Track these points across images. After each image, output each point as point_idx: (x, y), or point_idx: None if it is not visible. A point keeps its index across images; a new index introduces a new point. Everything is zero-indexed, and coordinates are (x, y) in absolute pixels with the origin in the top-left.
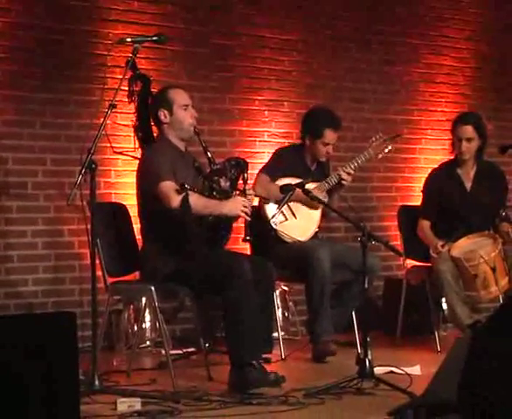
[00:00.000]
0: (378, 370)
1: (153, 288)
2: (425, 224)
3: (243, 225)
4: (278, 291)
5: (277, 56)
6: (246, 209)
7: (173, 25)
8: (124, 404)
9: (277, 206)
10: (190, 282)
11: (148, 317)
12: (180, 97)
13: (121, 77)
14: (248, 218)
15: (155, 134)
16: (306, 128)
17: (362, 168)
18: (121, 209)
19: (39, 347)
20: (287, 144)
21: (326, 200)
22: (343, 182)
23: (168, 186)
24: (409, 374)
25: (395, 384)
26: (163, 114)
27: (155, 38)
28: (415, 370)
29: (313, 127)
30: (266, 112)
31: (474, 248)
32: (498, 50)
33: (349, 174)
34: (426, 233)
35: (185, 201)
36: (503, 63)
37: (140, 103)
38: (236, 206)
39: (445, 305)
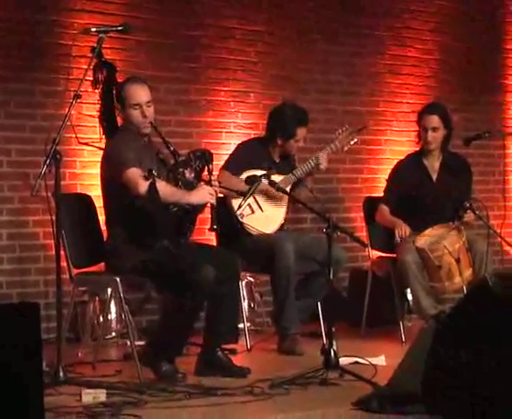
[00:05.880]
0: (343, 361)
1: (118, 279)
2: (385, 209)
3: (209, 216)
4: (244, 283)
5: (243, 47)
6: (213, 198)
7: (139, 15)
8: (89, 395)
9: (242, 198)
10: (153, 275)
11: (113, 308)
12: (132, 95)
13: (86, 67)
14: (214, 202)
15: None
16: (276, 128)
17: (328, 160)
18: (86, 200)
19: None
20: (247, 138)
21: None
22: (321, 166)
23: (134, 172)
24: (374, 365)
25: (360, 375)
26: (118, 109)
27: (120, 28)
28: (380, 360)
29: (283, 128)
30: (232, 103)
31: (439, 239)
32: (463, 42)
33: (325, 160)
34: (386, 217)
35: (153, 187)
36: (468, 55)
37: (104, 91)
38: (203, 193)
39: (409, 296)
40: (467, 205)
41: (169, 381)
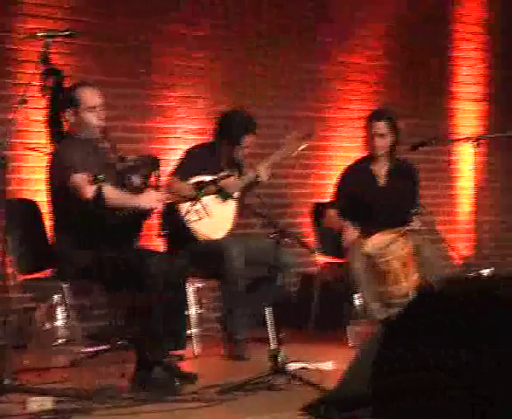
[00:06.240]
0: (291, 366)
1: (65, 285)
2: (332, 213)
3: (156, 222)
4: (192, 288)
5: (191, 52)
6: (161, 203)
7: (86, 20)
8: (35, 403)
9: (191, 204)
10: (101, 277)
11: (60, 314)
12: (87, 98)
13: (32, 72)
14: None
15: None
16: (223, 134)
17: (276, 165)
18: (32, 206)
19: None
20: (195, 144)
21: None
22: (259, 179)
23: (81, 177)
24: (321, 370)
25: (307, 379)
26: (69, 113)
27: (66, 33)
28: (327, 365)
29: (231, 134)
30: (180, 108)
31: (386, 244)
32: (410, 48)
33: (266, 171)
34: (334, 220)
35: (99, 192)
36: (415, 61)
37: (52, 98)
38: (151, 198)
39: (357, 301)
40: (414, 211)
41: (163, 390)
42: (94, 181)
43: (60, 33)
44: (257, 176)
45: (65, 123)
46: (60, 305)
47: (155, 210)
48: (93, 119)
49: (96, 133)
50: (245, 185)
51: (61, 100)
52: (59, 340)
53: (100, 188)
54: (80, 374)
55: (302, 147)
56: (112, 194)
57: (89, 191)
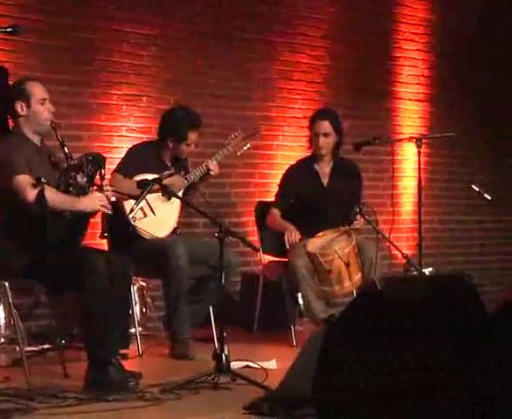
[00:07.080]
0: (235, 365)
1: (7, 284)
2: (276, 212)
3: (100, 221)
4: (136, 287)
5: (136, 50)
6: (104, 204)
7: (29, 17)
8: None
9: (135, 202)
10: (44, 278)
11: (2, 313)
12: (38, 90)
13: None
14: (108, 211)
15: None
16: (167, 132)
17: (220, 165)
18: None
19: None
20: (138, 142)
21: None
22: (211, 172)
23: (23, 179)
24: (265, 369)
25: (251, 378)
26: (20, 107)
27: (9, 30)
28: (271, 364)
29: (175, 131)
30: (124, 106)
31: (329, 243)
32: (353, 49)
33: (216, 166)
34: (277, 220)
35: (41, 195)
36: (358, 62)
37: None
38: (93, 202)
39: (301, 300)
40: (357, 210)
41: (118, 389)
42: (36, 184)
43: (3, 29)
44: (208, 171)
45: (10, 120)
46: (2, 303)
47: (99, 212)
48: (45, 111)
49: (47, 126)
50: (197, 178)
51: (8, 95)
52: (1, 339)
53: (42, 192)
54: (23, 373)
55: (247, 146)
56: (54, 197)
57: (31, 194)
